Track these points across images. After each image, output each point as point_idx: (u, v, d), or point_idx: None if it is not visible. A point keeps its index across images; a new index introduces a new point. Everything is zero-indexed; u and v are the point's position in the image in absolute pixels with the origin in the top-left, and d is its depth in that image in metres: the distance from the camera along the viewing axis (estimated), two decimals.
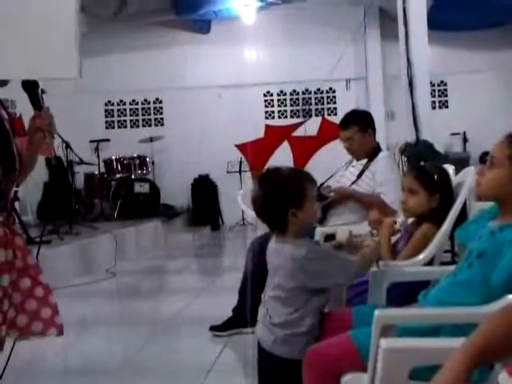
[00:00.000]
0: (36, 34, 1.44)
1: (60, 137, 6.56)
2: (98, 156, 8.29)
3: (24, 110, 7.69)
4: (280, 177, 1.82)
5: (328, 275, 1.77)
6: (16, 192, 5.51)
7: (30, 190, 7.60)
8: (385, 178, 3.38)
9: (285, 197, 1.76)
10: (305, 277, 1.75)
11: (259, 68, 9.04)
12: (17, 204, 5.85)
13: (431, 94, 8.14)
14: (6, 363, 1.73)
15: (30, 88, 1.73)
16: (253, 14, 8.58)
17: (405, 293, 2.03)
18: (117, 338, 3.62)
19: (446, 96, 9.28)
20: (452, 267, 1.89)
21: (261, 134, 9.31)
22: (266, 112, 9.49)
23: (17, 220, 5.72)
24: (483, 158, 7.73)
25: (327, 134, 8.73)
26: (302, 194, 1.78)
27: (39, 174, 8.01)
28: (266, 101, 9.50)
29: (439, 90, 9.26)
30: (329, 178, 3.72)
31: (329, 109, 9.37)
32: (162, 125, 9.61)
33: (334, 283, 1.82)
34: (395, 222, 2.32)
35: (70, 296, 4.77)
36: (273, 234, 1.88)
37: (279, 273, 1.81)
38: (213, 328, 3.43)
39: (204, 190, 9.14)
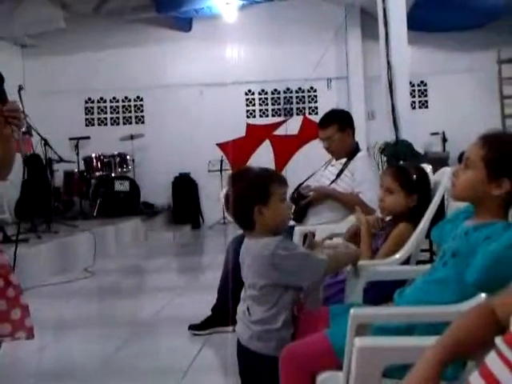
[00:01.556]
0: None
1: (38, 134, 6.51)
2: (78, 154, 8.21)
3: None
4: (248, 175, 1.87)
5: (295, 273, 1.79)
6: None
7: (8, 187, 7.49)
8: (363, 178, 3.40)
9: (250, 194, 1.81)
10: (274, 274, 1.77)
11: (241, 66, 9.04)
12: None
13: (411, 94, 8.23)
14: None
15: None
16: (234, 12, 8.57)
17: (381, 292, 2.04)
18: (95, 338, 3.59)
19: (426, 96, 9.36)
20: (428, 266, 1.91)
21: (242, 132, 9.31)
22: (248, 111, 9.48)
23: None
24: (461, 157, 7.80)
25: (308, 133, 8.75)
26: (268, 191, 1.83)
27: (17, 171, 7.90)
28: (247, 99, 9.49)
29: (419, 90, 9.34)
30: (308, 178, 3.72)
31: (310, 108, 9.40)
32: (143, 123, 9.56)
33: (302, 281, 1.84)
34: (382, 220, 2.37)
35: (47, 295, 4.73)
36: (244, 232, 1.92)
37: (250, 271, 1.83)
38: (192, 327, 3.42)
39: (185, 188, 9.11)
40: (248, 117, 9.45)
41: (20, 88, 6.16)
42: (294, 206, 3.47)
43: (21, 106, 6.07)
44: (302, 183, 3.62)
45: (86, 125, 9.55)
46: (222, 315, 3.26)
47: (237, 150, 9.01)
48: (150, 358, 3.18)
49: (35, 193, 7.45)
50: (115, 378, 2.85)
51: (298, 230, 3.12)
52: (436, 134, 8.81)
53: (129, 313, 4.23)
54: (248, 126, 9.40)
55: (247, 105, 9.49)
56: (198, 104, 9.16)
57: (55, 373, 2.98)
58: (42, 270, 5.25)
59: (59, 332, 3.80)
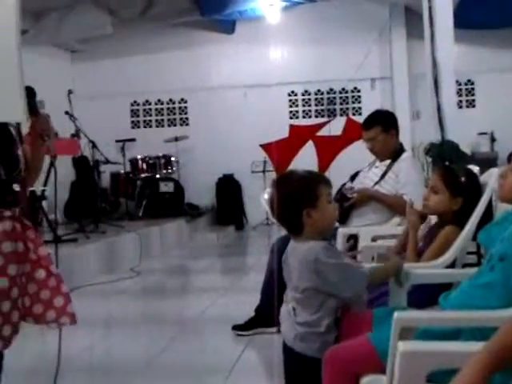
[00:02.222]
0: None
1: (86, 136, 6.68)
2: (124, 155, 8.38)
3: (52, 111, 7.83)
4: (293, 178, 1.87)
5: (336, 284, 1.79)
6: (43, 191, 5.62)
7: (58, 189, 7.70)
8: (408, 179, 3.36)
9: (298, 197, 1.81)
10: (316, 279, 1.77)
11: (284, 67, 9.04)
12: (44, 203, 5.94)
13: (458, 93, 8.06)
14: (59, 356, 1.80)
15: (27, 96, 1.83)
16: (277, 14, 8.58)
17: (426, 295, 2.02)
18: (141, 336, 3.67)
19: (474, 95, 9.15)
20: (474, 270, 1.88)
21: (285, 133, 9.30)
22: (291, 112, 9.48)
23: (44, 218, 5.83)
24: (511, 158, 7.60)
25: (352, 133, 8.67)
26: (315, 193, 1.82)
27: (66, 173, 8.14)
28: (290, 100, 9.49)
29: (466, 89, 9.14)
30: (352, 179, 3.71)
31: (353, 108, 9.33)
32: (187, 124, 9.68)
33: (342, 292, 1.81)
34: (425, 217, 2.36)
35: (95, 294, 4.85)
36: (291, 235, 1.92)
37: (294, 274, 1.84)
38: (235, 327, 3.45)
39: (228, 189, 9.18)
40: (291, 118, 9.45)
41: (69, 92, 6.35)
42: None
43: (69, 109, 6.28)
44: (345, 184, 3.61)
45: (132, 127, 9.74)
46: (266, 316, 3.28)
47: (280, 151, 9.02)
48: (194, 357, 3.23)
49: (83, 194, 7.66)
50: (161, 375, 2.91)
51: (341, 232, 3.11)
52: (484, 133, 8.60)
53: (174, 312, 4.30)
54: (291, 127, 9.39)
55: (290, 106, 9.49)
56: (241, 105, 9.21)
57: (104, 369, 3.06)
58: (89, 269, 5.38)
59: (107, 330, 3.90)
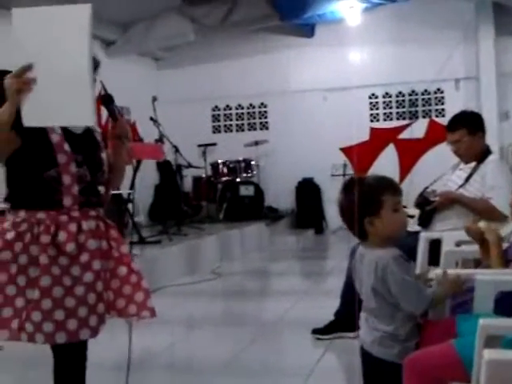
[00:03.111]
0: (54, 84, 1.62)
1: (170, 141, 6.88)
2: (205, 159, 8.57)
3: (138, 117, 8.14)
4: (361, 185, 1.84)
5: (399, 299, 1.76)
6: (129, 194, 5.85)
7: (143, 192, 8.01)
8: (495, 182, 3.23)
9: (361, 205, 1.78)
10: (382, 287, 1.75)
11: (364, 70, 8.92)
12: (130, 205, 6.19)
13: None
14: (129, 354, 1.93)
15: (107, 103, 1.94)
16: (358, 16, 8.49)
17: None
18: (221, 337, 3.73)
19: None
20: None
21: (366, 137, 9.18)
22: (371, 114, 9.34)
23: (130, 220, 6.07)
24: None
25: (435, 136, 8.43)
26: (379, 202, 1.80)
27: (151, 177, 8.43)
28: (371, 103, 9.35)
29: None
30: (434, 182, 3.60)
31: (436, 110, 9.05)
32: (267, 129, 9.76)
33: (404, 307, 1.78)
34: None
35: (177, 294, 4.99)
36: (359, 240, 1.91)
37: (363, 281, 1.82)
38: (315, 331, 3.45)
39: (308, 193, 9.16)
40: (372, 121, 9.31)
41: (154, 98, 6.56)
42: (419, 211, 3.39)
43: (154, 115, 6.49)
44: (427, 187, 3.52)
45: (213, 132, 9.94)
46: (345, 320, 3.25)
47: (360, 155, 8.90)
48: (273, 359, 3.26)
49: (167, 197, 7.90)
50: (240, 376, 2.95)
51: (424, 236, 3.04)
52: None
53: (254, 314, 4.34)
54: (372, 129, 9.25)
55: (371, 108, 9.35)
56: (321, 109, 9.18)
57: (186, 367, 3.15)
58: (172, 270, 5.54)
59: (189, 329, 4.00)
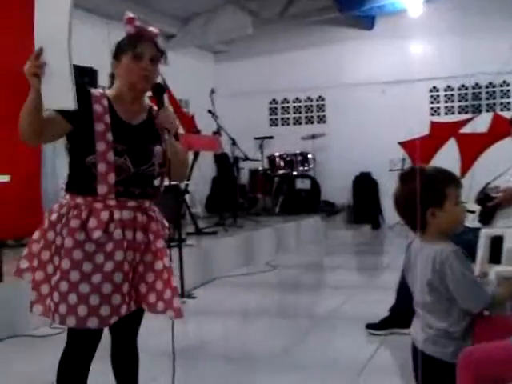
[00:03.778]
0: (50, 68, 1.68)
1: (227, 134, 6.94)
2: (262, 152, 8.60)
3: (196, 110, 8.26)
4: (421, 175, 1.79)
5: (457, 295, 1.71)
6: (187, 185, 5.94)
7: (200, 184, 8.12)
8: None
9: (424, 195, 1.73)
10: (439, 282, 1.70)
11: (425, 62, 8.70)
12: (187, 197, 6.28)
13: None
14: (173, 346, 1.86)
15: (157, 92, 1.93)
16: (419, 7, 8.28)
17: None
18: (275, 328, 3.75)
19: None
20: None
21: (425, 131, 8.97)
22: (432, 108, 9.12)
23: (187, 211, 6.17)
24: None
25: (499, 130, 8.12)
26: (443, 193, 1.76)
27: (208, 169, 8.53)
28: (431, 96, 9.13)
29: None
30: (497, 178, 3.49)
31: (502, 104, 8.75)
32: (325, 122, 9.69)
33: (461, 304, 1.73)
34: None
35: (232, 285, 5.05)
36: (414, 233, 1.86)
37: (419, 275, 1.78)
38: (369, 326, 3.42)
39: (365, 187, 9.05)
40: (432, 114, 9.09)
41: (212, 91, 6.63)
42: (479, 207, 3.29)
43: (212, 107, 6.55)
44: (489, 183, 3.41)
45: (270, 125, 9.96)
46: (400, 316, 3.20)
47: (420, 149, 8.70)
48: (327, 351, 3.26)
49: (223, 189, 7.98)
50: (294, 367, 2.96)
51: (485, 233, 2.94)
52: None
53: (308, 307, 4.35)
54: (432, 123, 9.00)
55: (431, 102, 9.13)
56: (379, 102, 9.03)
57: (240, 357, 3.18)
58: (228, 261, 5.60)
59: (243, 319, 4.04)
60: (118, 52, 1.90)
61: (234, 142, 7.17)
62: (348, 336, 3.52)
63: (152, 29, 1.95)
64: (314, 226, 7.85)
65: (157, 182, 1.98)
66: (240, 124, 8.34)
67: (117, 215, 1.81)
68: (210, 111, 6.65)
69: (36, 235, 1.87)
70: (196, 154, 6.09)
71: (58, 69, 1.66)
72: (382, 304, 3.50)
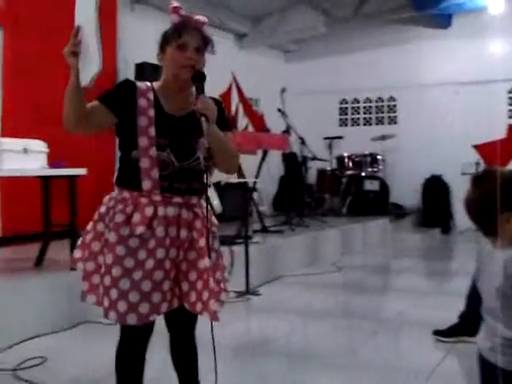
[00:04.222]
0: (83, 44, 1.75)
1: (296, 133, 6.95)
2: (331, 152, 8.55)
3: (266, 109, 8.31)
4: (497, 177, 1.69)
5: None
6: (255, 183, 5.99)
7: (268, 182, 8.16)
8: None
9: (501, 199, 1.64)
10: (510, 288, 1.62)
11: (504, 62, 8.38)
12: (255, 195, 6.34)
13: None
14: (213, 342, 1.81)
15: (197, 79, 1.83)
16: (501, 3, 7.97)
17: None
18: (339, 329, 3.73)
19: None
20: None
21: (501, 134, 8.63)
22: (510, 110, 8.77)
23: (254, 209, 6.22)
24: None
25: None
26: None
27: (276, 168, 8.56)
28: (510, 98, 8.79)
29: None
30: None
31: None
32: (395, 123, 9.52)
33: None
34: None
35: (296, 284, 5.06)
36: (487, 238, 1.77)
37: (489, 282, 1.70)
38: (437, 332, 3.34)
39: (436, 190, 8.83)
40: (511, 117, 8.74)
41: (282, 90, 6.65)
42: None
43: (281, 106, 6.57)
44: None
45: (340, 125, 9.88)
46: (470, 325, 3.10)
47: (496, 153, 8.39)
48: (391, 356, 3.20)
49: (291, 188, 7.99)
50: (357, 369, 2.93)
51: None
52: None
53: (373, 309, 4.29)
54: (510, 126, 8.68)
55: (510, 104, 8.78)
56: (453, 103, 8.78)
57: (302, 356, 3.18)
58: (293, 260, 5.61)
59: (307, 319, 4.04)
60: (164, 43, 1.86)
61: (302, 142, 7.17)
62: (414, 341, 3.45)
63: (199, 17, 1.86)
64: (381, 228, 7.73)
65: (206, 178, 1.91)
66: (309, 123, 8.32)
67: (161, 212, 1.79)
68: (279, 110, 6.67)
69: (89, 226, 1.90)
70: (265, 153, 6.14)
71: (89, 44, 1.72)
72: (450, 310, 3.41)
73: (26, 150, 3.72)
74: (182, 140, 1.84)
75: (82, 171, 3.93)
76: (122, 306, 1.74)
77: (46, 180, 4.05)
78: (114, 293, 1.75)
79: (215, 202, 6.23)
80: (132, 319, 1.74)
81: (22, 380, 2.76)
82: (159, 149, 1.79)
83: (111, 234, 1.78)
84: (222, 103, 1.95)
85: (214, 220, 1.96)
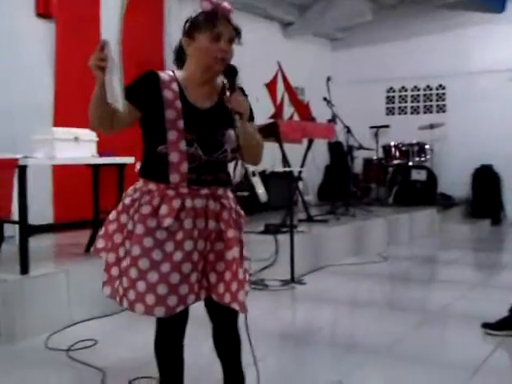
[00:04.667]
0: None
1: (342, 122, 6.88)
2: (377, 142, 8.43)
3: (311, 97, 8.27)
4: None
5: None
6: (300, 172, 5.98)
7: (313, 172, 8.13)
8: None
9: None
10: None
11: None
12: (300, 184, 6.33)
13: None
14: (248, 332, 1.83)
15: (229, 74, 1.81)
16: None
17: None
18: (384, 320, 3.70)
19: None
20: None
21: None
22: None
23: (299, 198, 6.22)
24: None
25: None
26: None
27: (322, 157, 8.52)
28: None
29: None
30: None
31: None
32: (444, 111, 9.30)
33: None
34: None
35: (341, 274, 5.04)
36: None
37: None
38: (486, 325, 3.28)
39: (486, 181, 8.60)
40: None
41: (328, 79, 6.59)
42: None
43: (327, 95, 6.52)
44: None
45: (387, 114, 9.72)
46: None
47: None
48: (438, 348, 3.16)
49: (336, 178, 7.95)
50: (401, 360, 2.91)
51: None
52: None
53: (419, 300, 4.24)
54: None
55: None
56: (505, 91, 8.50)
57: (347, 345, 3.18)
58: (338, 249, 5.59)
59: (352, 308, 4.03)
60: (193, 29, 1.79)
61: (348, 131, 7.10)
62: (461, 334, 3.40)
63: (225, 4, 1.80)
64: (428, 218, 7.60)
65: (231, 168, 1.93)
66: (355, 112, 8.22)
67: (188, 204, 1.77)
68: (325, 99, 6.62)
69: (111, 216, 1.88)
70: (310, 142, 6.11)
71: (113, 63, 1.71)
72: (500, 303, 3.34)
73: (77, 139, 3.81)
74: (209, 133, 1.81)
75: (130, 159, 4.01)
76: (150, 298, 1.74)
77: (95, 168, 4.15)
78: (141, 285, 1.74)
79: (260, 190, 6.25)
80: (160, 311, 1.75)
81: (74, 360, 2.87)
82: (187, 144, 1.77)
83: (138, 226, 1.77)
84: (245, 92, 1.88)
85: (241, 211, 1.95)
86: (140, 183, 1.85)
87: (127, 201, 1.84)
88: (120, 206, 1.86)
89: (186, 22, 1.83)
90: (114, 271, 1.84)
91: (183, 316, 1.86)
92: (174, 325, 1.88)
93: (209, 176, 1.81)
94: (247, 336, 1.80)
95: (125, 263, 1.80)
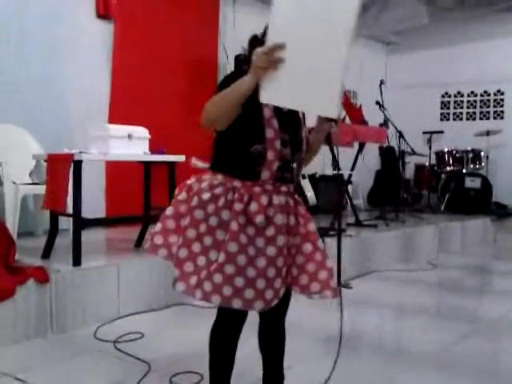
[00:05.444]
0: (303, 68, 1.58)
1: (394, 126, 6.79)
2: (430, 147, 8.27)
3: (364, 101, 8.18)
4: None
5: None
6: (350, 176, 5.93)
7: (364, 176, 8.04)
8: None
9: None
10: None
11: None
12: (350, 188, 6.27)
13: None
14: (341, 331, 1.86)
15: None
16: None
17: None
18: (432, 328, 3.62)
19: None
20: None
21: None
22: None
23: (348, 202, 6.16)
24: None
25: None
26: None
27: (373, 161, 8.42)
28: None
29: None
30: None
31: None
32: (502, 118, 9.04)
33: None
34: None
35: (389, 279, 4.97)
36: None
37: None
38: None
39: None
40: None
41: (381, 82, 6.52)
42: None
43: (380, 99, 6.45)
44: None
45: (441, 119, 9.53)
46: None
47: None
48: (489, 358, 3.07)
49: (387, 183, 7.84)
50: (451, 369, 2.84)
51: None
52: None
53: (469, 310, 4.12)
54: None
55: None
56: None
57: (393, 352, 3.12)
58: (386, 255, 5.51)
59: (400, 315, 3.96)
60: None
61: (401, 135, 6.99)
62: None
63: None
64: (482, 227, 7.39)
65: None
66: (408, 117, 8.10)
67: (275, 200, 1.82)
68: (377, 103, 6.54)
69: (170, 211, 1.88)
70: (361, 146, 6.05)
71: (307, 70, 1.58)
72: None
73: (130, 136, 3.89)
74: (297, 134, 1.89)
75: (181, 158, 4.07)
76: (248, 293, 1.77)
77: (147, 165, 4.23)
78: (239, 281, 1.76)
79: (309, 193, 6.23)
80: (259, 305, 1.78)
81: (121, 352, 2.93)
82: (281, 143, 1.81)
83: (232, 223, 1.77)
84: None
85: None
86: (220, 178, 1.82)
87: (206, 196, 1.81)
88: (196, 201, 1.82)
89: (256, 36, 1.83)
90: (188, 267, 1.82)
91: (245, 312, 1.89)
92: (237, 319, 1.90)
93: (288, 174, 1.89)
94: (339, 331, 1.93)
95: (217, 258, 1.77)
